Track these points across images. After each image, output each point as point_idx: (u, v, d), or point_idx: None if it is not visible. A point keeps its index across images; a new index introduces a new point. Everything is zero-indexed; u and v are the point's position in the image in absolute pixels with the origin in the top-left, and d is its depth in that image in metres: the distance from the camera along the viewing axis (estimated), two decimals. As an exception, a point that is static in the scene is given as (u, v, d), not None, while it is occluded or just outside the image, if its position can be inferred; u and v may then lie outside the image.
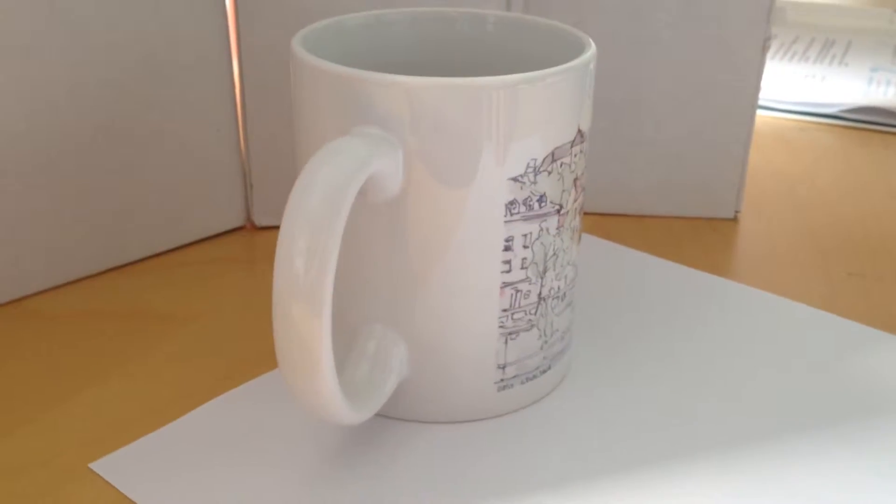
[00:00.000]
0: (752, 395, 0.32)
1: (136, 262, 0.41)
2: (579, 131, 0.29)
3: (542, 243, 0.29)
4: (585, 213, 0.45)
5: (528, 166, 0.28)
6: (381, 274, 0.29)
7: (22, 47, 0.35)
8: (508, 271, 0.29)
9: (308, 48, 0.29)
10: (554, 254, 0.30)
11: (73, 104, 0.37)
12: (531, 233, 0.29)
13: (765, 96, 0.60)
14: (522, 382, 0.31)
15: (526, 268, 0.29)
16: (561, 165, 0.29)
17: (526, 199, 0.28)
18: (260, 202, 0.43)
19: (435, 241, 0.28)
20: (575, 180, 0.30)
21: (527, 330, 0.30)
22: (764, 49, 0.43)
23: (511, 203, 0.28)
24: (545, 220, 0.29)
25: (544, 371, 0.31)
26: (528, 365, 0.31)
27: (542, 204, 0.29)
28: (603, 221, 0.45)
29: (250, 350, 0.34)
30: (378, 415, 0.30)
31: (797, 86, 0.62)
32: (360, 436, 0.30)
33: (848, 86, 0.61)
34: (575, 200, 0.30)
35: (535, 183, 0.28)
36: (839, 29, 0.73)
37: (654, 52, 0.43)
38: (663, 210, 0.46)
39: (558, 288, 0.30)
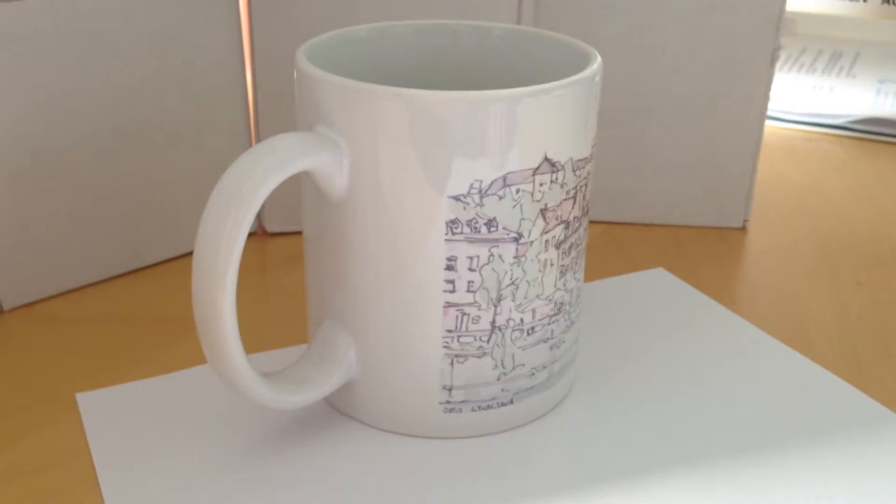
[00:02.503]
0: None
1: (150, 266, 0.41)
2: (547, 160, 0.28)
3: (493, 269, 0.28)
4: (594, 222, 0.46)
5: (471, 187, 0.27)
6: (336, 273, 0.30)
7: (40, 53, 0.35)
8: (452, 291, 0.28)
9: (313, 58, 0.29)
10: (512, 283, 0.28)
11: (90, 109, 0.37)
12: (478, 256, 0.28)
13: (773, 107, 0.60)
14: (474, 410, 0.30)
15: (473, 291, 0.28)
16: (517, 192, 0.27)
17: (471, 220, 0.27)
18: (272, 208, 0.44)
19: (378, 247, 0.28)
20: (542, 211, 0.28)
21: (477, 357, 0.29)
22: (773, 60, 0.43)
23: (453, 222, 0.27)
24: (496, 246, 0.28)
25: (504, 404, 0.30)
26: (480, 393, 0.30)
27: (492, 229, 0.28)
28: (612, 230, 0.45)
29: (261, 352, 0.35)
30: (338, 410, 0.32)
31: (805, 97, 0.62)
32: (307, 424, 0.31)
33: (856, 97, 0.62)
34: (545, 232, 0.29)
35: (481, 205, 0.27)
36: (847, 41, 0.73)
37: (664, 62, 0.43)
38: (672, 219, 0.46)
39: (521, 320, 0.29)
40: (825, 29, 0.76)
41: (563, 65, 0.30)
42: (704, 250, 0.44)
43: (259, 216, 0.44)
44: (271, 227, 0.44)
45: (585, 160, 0.29)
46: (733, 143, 0.44)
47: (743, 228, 0.46)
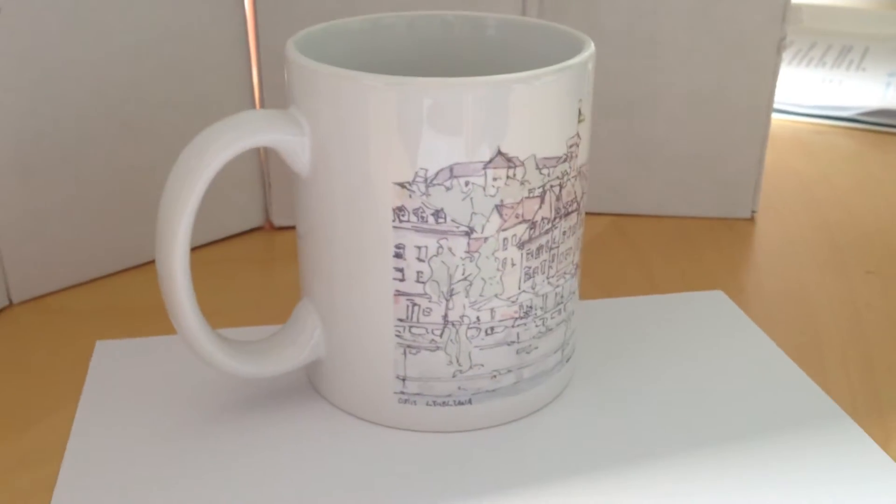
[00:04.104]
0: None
1: (157, 260, 0.41)
2: (501, 154, 0.27)
3: (443, 262, 0.27)
4: (600, 214, 0.46)
5: (416, 175, 0.27)
6: (305, 251, 0.30)
7: (47, 48, 0.36)
8: (402, 280, 0.28)
9: (304, 48, 0.29)
10: (465, 279, 0.28)
11: (97, 104, 0.38)
12: (426, 247, 0.27)
13: (782, 100, 0.60)
14: (429, 404, 0.29)
15: (423, 282, 0.28)
16: (467, 185, 0.27)
17: (417, 209, 0.27)
18: (278, 202, 0.44)
19: (333, 228, 0.29)
20: (498, 207, 0.27)
21: (430, 350, 0.29)
22: (779, 49, 0.43)
23: (399, 209, 0.27)
24: (445, 239, 0.27)
25: (461, 403, 0.29)
26: (435, 388, 0.29)
27: (440, 220, 0.27)
28: (620, 222, 0.45)
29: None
30: (312, 386, 0.32)
31: (814, 90, 0.62)
32: (281, 397, 0.32)
33: (865, 90, 0.61)
34: (502, 230, 0.27)
35: (427, 195, 0.27)
36: (856, 35, 0.73)
37: (670, 52, 0.43)
38: (680, 210, 0.46)
39: (477, 319, 0.28)
40: (834, 23, 0.76)
41: (558, 55, 0.29)
42: (712, 241, 0.44)
43: (266, 210, 0.44)
44: (278, 220, 0.44)
45: (557, 159, 0.28)
46: (741, 134, 0.44)
47: (751, 219, 0.46)
